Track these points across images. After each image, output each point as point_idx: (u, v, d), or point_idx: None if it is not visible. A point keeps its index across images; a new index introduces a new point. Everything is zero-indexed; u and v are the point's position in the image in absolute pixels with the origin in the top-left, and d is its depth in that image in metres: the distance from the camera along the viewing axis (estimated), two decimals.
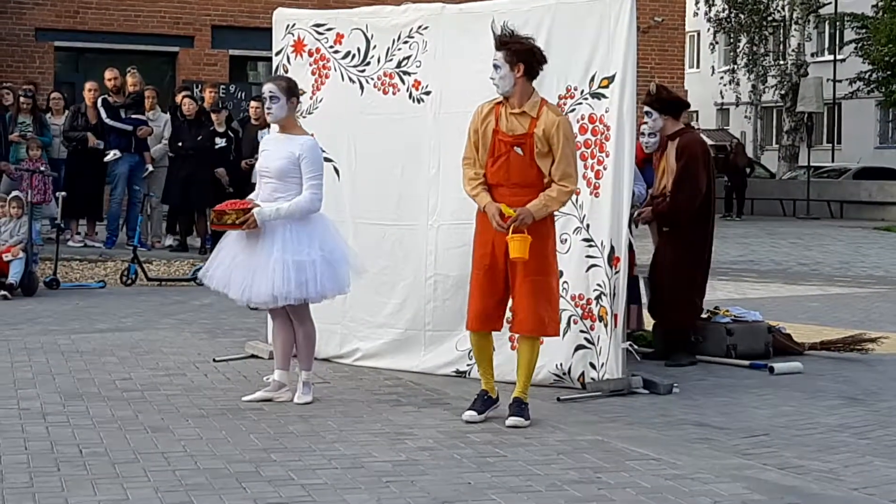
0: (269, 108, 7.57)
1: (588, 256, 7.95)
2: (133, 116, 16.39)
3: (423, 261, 8.56)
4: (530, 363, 7.16)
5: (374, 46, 8.77)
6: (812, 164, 35.42)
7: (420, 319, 8.61)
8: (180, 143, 16.34)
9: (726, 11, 40.42)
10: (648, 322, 9.72)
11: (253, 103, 16.94)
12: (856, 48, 39.79)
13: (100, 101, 16.26)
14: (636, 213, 9.29)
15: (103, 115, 16.16)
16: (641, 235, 9.77)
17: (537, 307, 7.00)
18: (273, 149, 7.58)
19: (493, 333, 7.31)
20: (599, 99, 7.94)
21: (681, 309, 9.24)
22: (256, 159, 8.14)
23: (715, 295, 12.15)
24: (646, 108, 9.34)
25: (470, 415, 7.05)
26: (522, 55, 7.03)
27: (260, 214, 7.34)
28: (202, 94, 18.00)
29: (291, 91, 7.55)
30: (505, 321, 7.35)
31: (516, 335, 7.36)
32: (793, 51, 40.03)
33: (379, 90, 8.76)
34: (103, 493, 5.43)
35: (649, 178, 9.70)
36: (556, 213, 7.75)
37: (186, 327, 10.85)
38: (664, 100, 9.36)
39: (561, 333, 7.98)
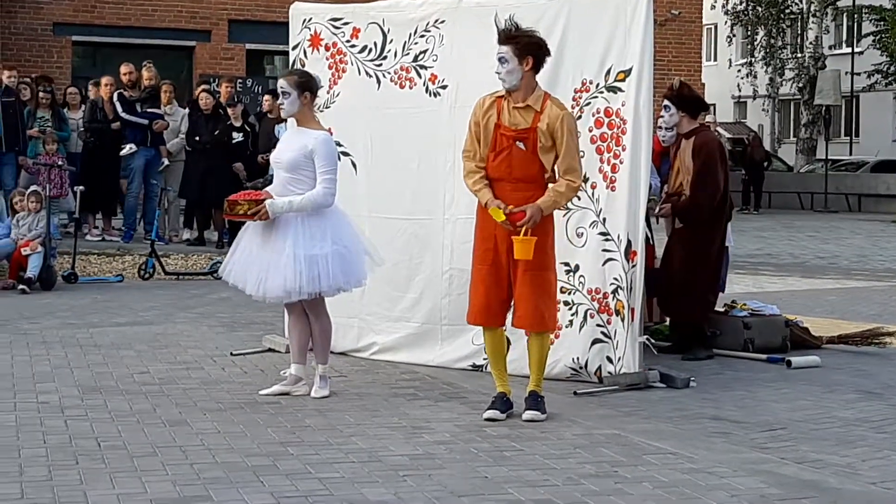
0: (281, 104, 7.63)
1: (605, 250, 7.94)
2: (149, 110, 16.42)
3: (440, 255, 8.57)
4: (541, 357, 7.14)
5: (391, 41, 8.77)
6: (830, 157, 35.31)
7: (436, 313, 8.62)
8: (197, 138, 16.37)
9: (743, 4, 40.33)
10: None
11: (267, 97, 16.98)
12: (874, 41, 39.67)
13: (115, 95, 16.30)
14: (657, 209, 9.29)
15: (119, 109, 16.20)
16: (661, 229, 9.77)
17: (538, 302, 6.98)
18: (287, 141, 7.63)
19: (511, 328, 7.30)
20: (615, 93, 7.93)
21: (691, 304, 9.22)
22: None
23: (732, 289, 12.11)
24: (665, 102, 9.34)
25: (493, 413, 6.99)
26: (532, 49, 6.98)
27: (272, 206, 7.35)
28: (219, 88, 18.01)
29: (304, 86, 7.54)
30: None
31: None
32: (810, 43, 39.91)
33: (395, 84, 8.76)
34: (121, 486, 5.45)
35: (666, 171, 9.69)
36: (572, 206, 7.76)
37: (204, 321, 10.88)
38: (684, 96, 9.34)
39: (578, 327, 8.00)
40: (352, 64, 8.95)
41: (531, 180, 6.98)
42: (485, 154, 7.06)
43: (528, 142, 6.94)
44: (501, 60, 6.97)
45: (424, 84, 8.63)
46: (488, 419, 6.94)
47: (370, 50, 8.86)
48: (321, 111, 8.68)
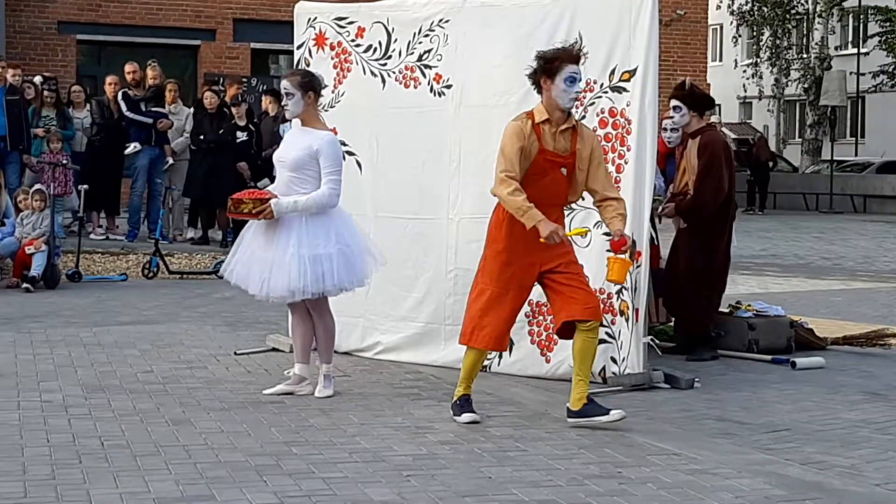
0: (285, 105, 7.62)
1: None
2: (153, 109, 16.43)
3: (444, 254, 8.56)
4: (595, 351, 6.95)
5: (396, 40, 8.77)
6: (835, 157, 35.29)
7: (440, 313, 8.61)
8: (202, 137, 16.38)
9: (749, 4, 40.29)
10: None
11: (266, 96, 17.06)
12: (880, 41, 39.62)
13: (120, 94, 16.32)
14: (660, 209, 9.28)
15: (123, 108, 16.21)
16: (665, 229, 9.76)
17: (591, 291, 6.93)
18: (291, 141, 7.61)
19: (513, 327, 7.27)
20: (620, 92, 7.92)
21: (696, 304, 9.21)
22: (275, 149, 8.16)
23: (737, 289, 12.14)
24: (675, 103, 9.31)
25: (472, 416, 6.84)
26: None
27: (277, 206, 7.34)
28: (226, 88, 18.04)
29: (307, 86, 7.53)
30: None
31: (538, 327, 7.45)
32: (816, 44, 39.87)
33: (400, 84, 8.76)
34: (125, 485, 5.45)
35: (671, 172, 9.68)
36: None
37: (208, 320, 10.88)
38: (696, 96, 9.33)
39: None
40: (357, 63, 8.94)
41: (560, 203, 6.93)
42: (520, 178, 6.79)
43: (569, 167, 6.84)
44: (575, 79, 6.78)
45: (429, 83, 8.62)
46: (471, 422, 6.80)
47: (375, 49, 8.86)
48: (326, 110, 8.69)
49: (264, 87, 21.87)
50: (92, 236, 16.11)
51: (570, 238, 6.94)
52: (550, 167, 6.78)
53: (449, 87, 8.55)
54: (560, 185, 6.84)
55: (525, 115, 6.87)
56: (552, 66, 6.78)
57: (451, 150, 8.53)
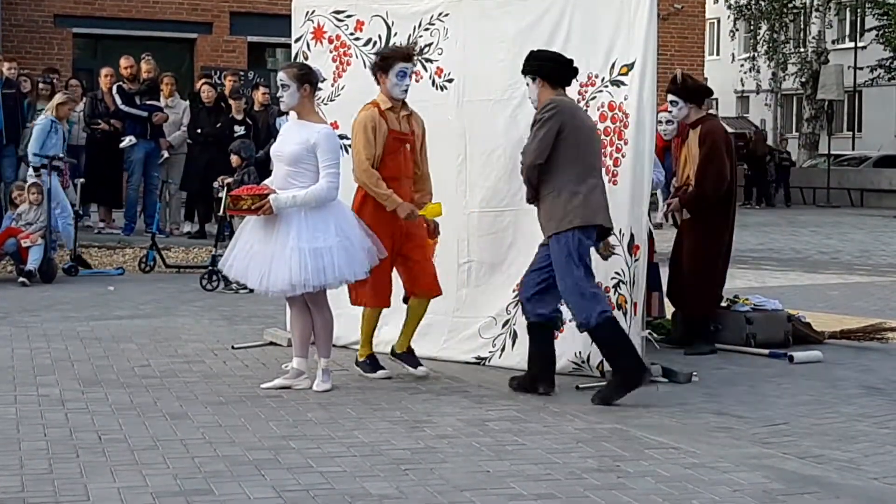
0: (280, 96, 7.59)
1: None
2: (148, 103, 16.40)
3: (455, 247, 8.48)
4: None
5: (395, 34, 8.74)
6: (832, 151, 35.27)
7: (449, 305, 8.48)
8: (199, 130, 16.34)
9: None
10: (669, 310, 9.68)
11: (261, 89, 17.04)
12: (877, 35, 39.62)
13: (115, 88, 16.27)
14: (666, 207, 9.27)
15: (118, 101, 16.17)
16: (666, 230, 9.74)
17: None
18: (288, 134, 7.59)
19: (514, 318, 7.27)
20: (619, 86, 7.90)
21: (700, 297, 9.19)
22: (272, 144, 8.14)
23: (734, 283, 12.10)
24: (672, 98, 9.28)
25: (384, 372, 7.92)
26: None
27: (276, 201, 7.32)
28: (223, 81, 18.01)
29: (303, 78, 7.51)
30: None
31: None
32: (813, 38, 39.87)
33: None
34: (122, 479, 5.44)
35: (669, 165, 9.66)
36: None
37: (205, 314, 10.86)
38: (690, 88, 9.30)
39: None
40: (356, 57, 8.90)
41: (410, 176, 7.98)
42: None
43: (411, 143, 7.95)
44: (406, 74, 7.80)
45: (430, 77, 8.60)
46: (385, 377, 7.87)
47: (374, 43, 8.82)
48: (325, 104, 8.66)
49: (262, 81, 21.87)
50: (91, 227, 16.07)
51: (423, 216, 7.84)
52: (399, 145, 7.80)
53: (450, 80, 8.53)
54: (408, 160, 7.88)
55: (371, 104, 7.83)
56: (386, 63, 7.78)
57: (456, 144, 8.50)
